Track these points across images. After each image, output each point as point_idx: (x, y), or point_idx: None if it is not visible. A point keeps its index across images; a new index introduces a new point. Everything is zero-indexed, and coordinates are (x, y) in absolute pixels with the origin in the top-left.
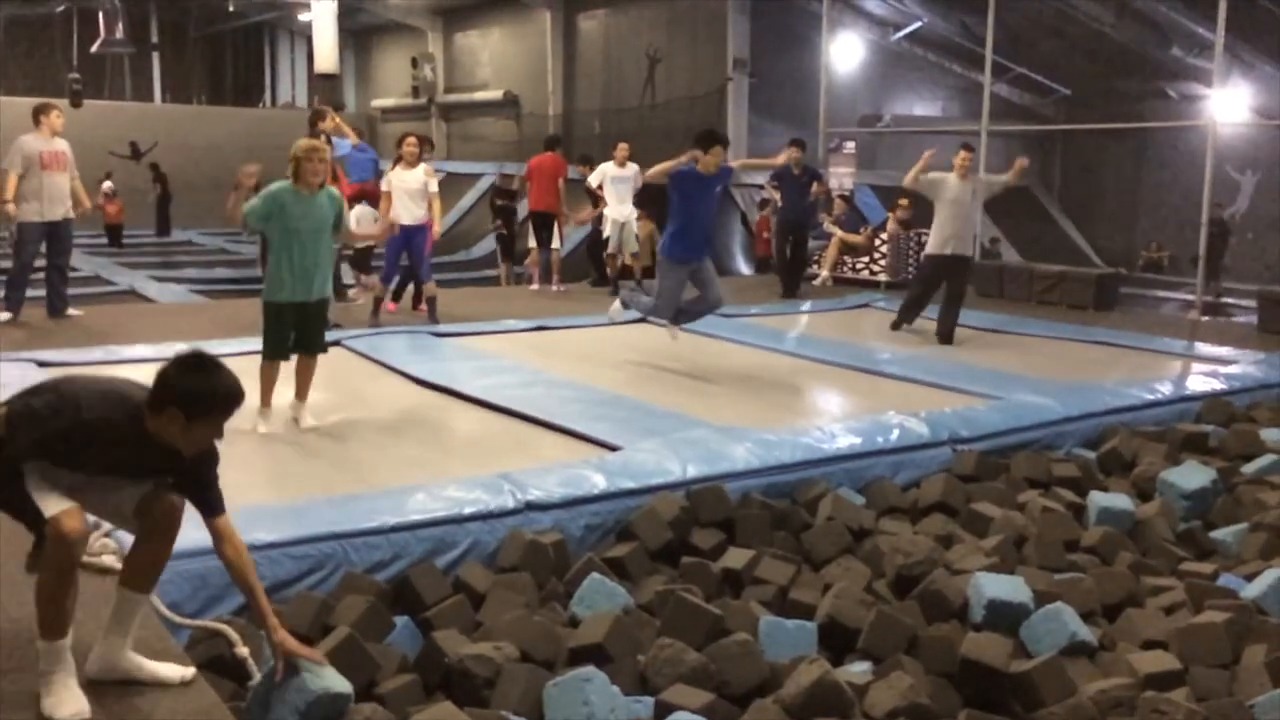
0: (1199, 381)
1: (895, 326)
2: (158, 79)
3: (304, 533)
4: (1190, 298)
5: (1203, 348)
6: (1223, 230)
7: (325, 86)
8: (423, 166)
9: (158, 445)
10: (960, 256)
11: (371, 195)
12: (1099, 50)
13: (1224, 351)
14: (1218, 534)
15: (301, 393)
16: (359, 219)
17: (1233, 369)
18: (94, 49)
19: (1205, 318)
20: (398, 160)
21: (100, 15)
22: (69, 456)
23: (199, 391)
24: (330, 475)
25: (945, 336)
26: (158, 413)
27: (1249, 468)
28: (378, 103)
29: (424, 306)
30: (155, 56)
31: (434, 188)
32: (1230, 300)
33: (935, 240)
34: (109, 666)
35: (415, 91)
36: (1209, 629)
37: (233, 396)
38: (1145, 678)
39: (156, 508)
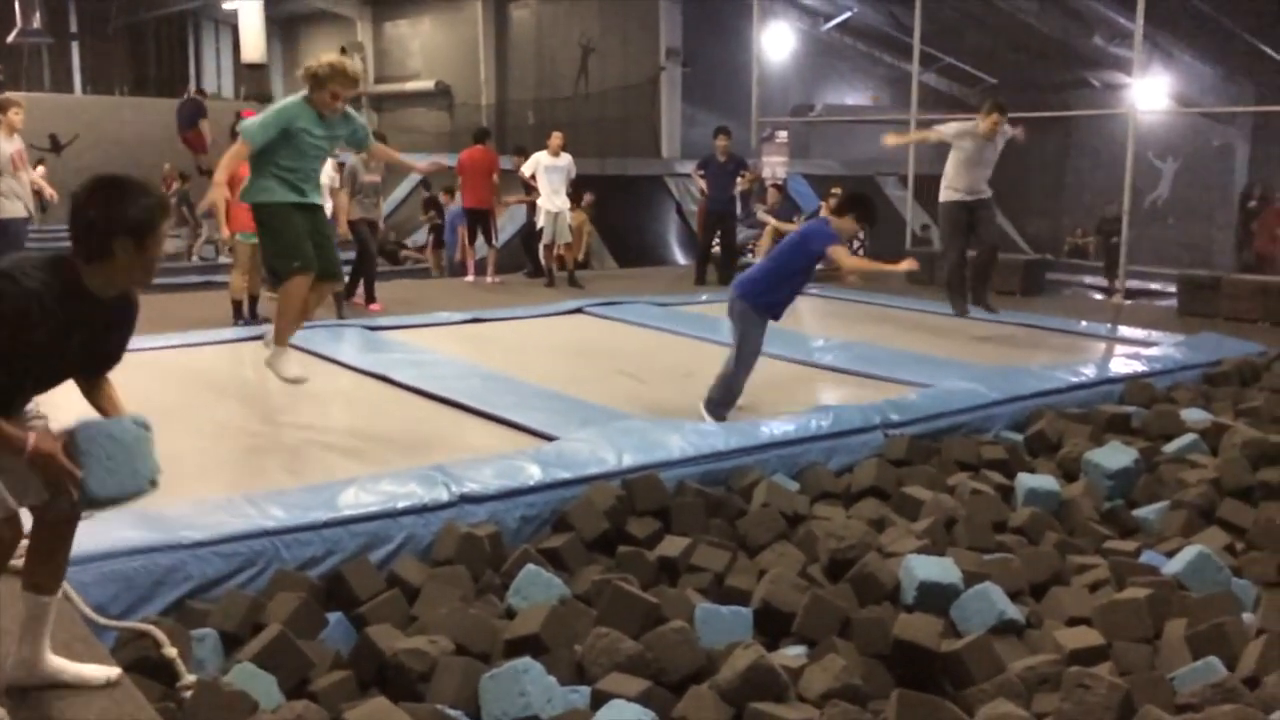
0: (1122, 364)
1: (962, 314)
2: (78, 70)
3: (233, 529)
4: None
5: (1125, 331)
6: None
7: (252, 77)
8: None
9: (93, 309)
10: (984, 199)
11: None
12: (1024, 40)
13: (1146, 334)
14: (1140, 512)
15: (292, 328)
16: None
17: (1154, 351)
18: (10, 39)
19: (1128, 301)
20: None
21: (16, 4)
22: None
23: (139, 209)
24: (260, 470)
25: (984, 300)
26: (106, 255)
27: (1170, 447)
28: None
29: (376, 305)
30: (75, 46)
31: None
32: (1138, 284)
33: (958, 188)
34: (28, 672)
35: None
36: (1131, 605)
37: (160, 196)
38: (1070, 653)
39: (51, 508)
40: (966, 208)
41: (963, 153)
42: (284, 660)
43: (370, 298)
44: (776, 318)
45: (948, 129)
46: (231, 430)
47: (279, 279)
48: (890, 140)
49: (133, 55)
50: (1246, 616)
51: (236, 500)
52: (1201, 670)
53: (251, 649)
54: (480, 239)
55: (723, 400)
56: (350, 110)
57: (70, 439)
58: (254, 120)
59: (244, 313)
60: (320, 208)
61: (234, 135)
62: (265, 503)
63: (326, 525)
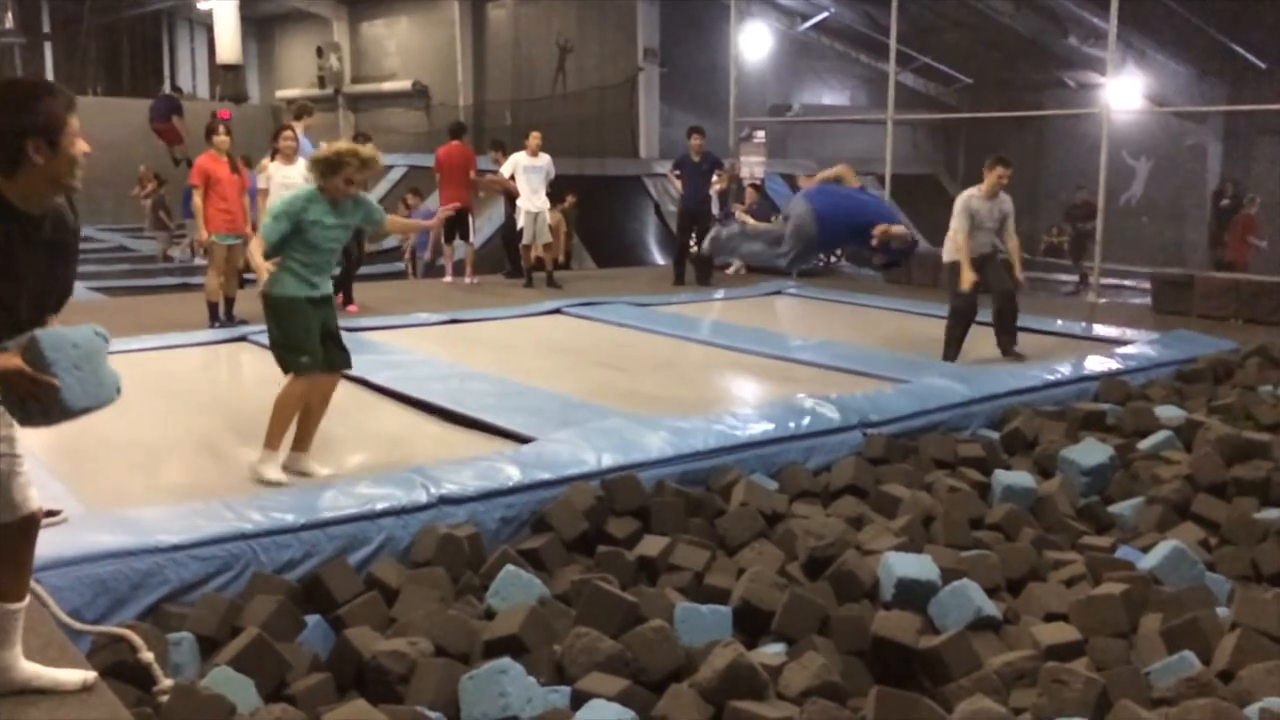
0: (1097, 362)
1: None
2: (50, 70)
3: (210, 533)
4: (1088, 280)
5: (1100, 329)
6: (1089, 212)
7: (227, 77)
8: (302, 161)
9: (28, 229)
10: (988, 254)
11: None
12: (999, 40)
13: (1120, 332)
14: (1115, 508)
15: (310, 436)
16: None
17: (1129, 349)
18: None
19: (1102, 300)
20: (274, 154)
21: None
22: None
23: (45, 106)
24: (238, 473)
25: (1010, 349)
26: (22, 161)
27: (1144, 444)
28: (282, 93)
29: (353, 307)
30: (48, 47)
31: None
32: (1114, 282)
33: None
34: (2, 680)
35: (321, 82)
36: (1107, 600)
37: (67, 93)
38: (1047, 649)
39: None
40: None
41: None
42: (262, 663)
43: (348, 299)
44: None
45: (958, 221)
46: (207, 433)
47: (284, 370)
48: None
49: (107, 55)
50: (1220, 611)
51: (213, 504)
52: (1176, 664)
53: (229, 652)
54: (459, 239)
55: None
56: (361, 194)
57: (33, 350)
58: (265, 220)
59: (220, 315)
60: (332, 297)
61: (208, 136)
62: (242, 506)
63: (304, 528)
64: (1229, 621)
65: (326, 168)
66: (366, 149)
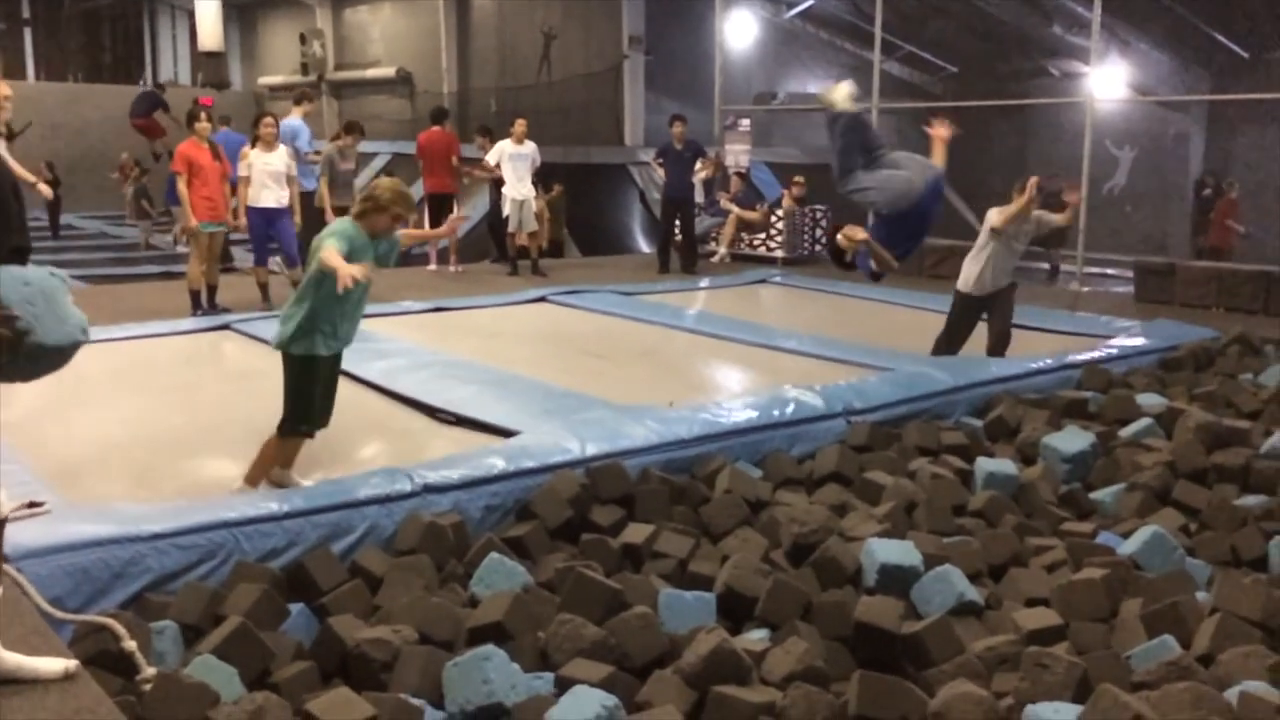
0: (1079, 350)
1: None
2: (30, 56)
3: (192, 521)
4: (1071, 269)
5: (1083, 317)
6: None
7: (209, 64)
8: (283, 148)
9: None
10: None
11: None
12: (984, 29)
13: (1103, 321)
14: (1097, 494)
15: (293, 459)
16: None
17: (1111, 337)
18: None
19: (1085, 288)
20: (255, 141)
21: None
22: None
23: None
24: (221, 460)
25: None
26: None
27: (1126, 431)
28: (265, 80)
29: None
30: (27, 33)
31: (294, 170)
32: (1095, 269)
33: (981, 279)
34: None
35: (304, 69)
36: (1088, 585)
37: None
38: (1028, 633)
39: None
40: (986, 302)
41: (1003, 242)
42: (245, 652)
43: None
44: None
45: (995, 224)
46: (190, 421)
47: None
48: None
49: (87, 42)
50: (1200, 595)
51: (196, 492)
52: (1156, 648)
53: (212, 641)
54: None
55: None
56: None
57: None
58: (329, 241)
59: (202, 303)
60: (340, 354)
61: (190, 123)
62: (225, 494)
63: (288, 516)
64: (1208, 606)
65: (373, 205)
66: (385, 183)
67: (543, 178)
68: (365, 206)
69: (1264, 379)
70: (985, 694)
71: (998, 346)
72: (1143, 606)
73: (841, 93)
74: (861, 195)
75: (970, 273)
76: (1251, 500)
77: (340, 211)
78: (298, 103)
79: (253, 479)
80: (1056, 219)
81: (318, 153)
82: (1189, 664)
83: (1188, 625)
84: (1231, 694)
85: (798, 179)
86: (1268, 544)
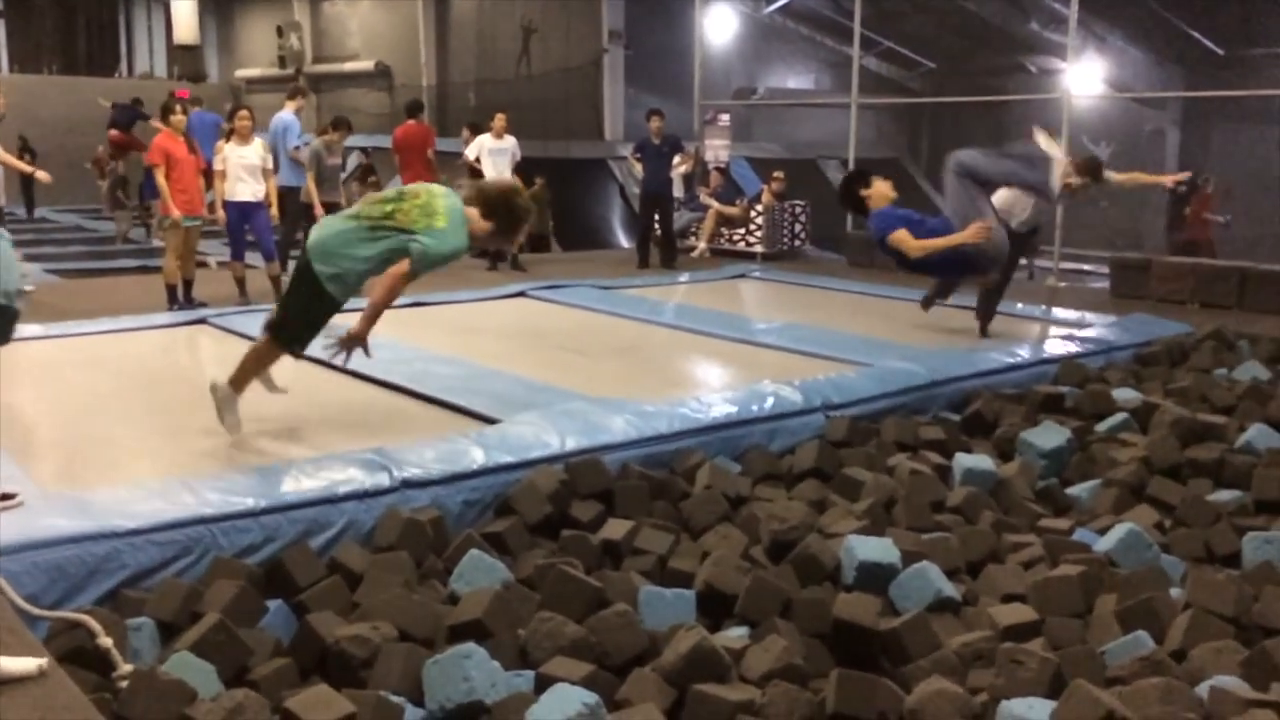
0: (1056, 345)
1: (925, 306)
2: (4, 48)
3: (169, 517)
4: (1049, 265)
5: (1059, 313)
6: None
7: (185, 57)
8: (258, 141)
9: None
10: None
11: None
12: (963, 25)
13: (1079, 316)
14: (1073, 490)
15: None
16: None
17: (1087, 332)
18: None
19: (1062, 284)
20: (230, 134)
21: None
22: None
23: None
24: (196, 456)
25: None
26: None
27: (1102, 426)
28: (242, 73)
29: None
30: (0, 24)
31: (270, 164)
32: (1070, 266)
33: (1024, 218)
34: None
35: (282, 62)
36: (1064, 581)
37: None
38: (1004, 629)
39: None
40: (1018, 240)
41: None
42: (222, 648)
43: None
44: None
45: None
46: (167, 416)
47: (273, 334)
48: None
49: (62, 34)
50: (1174, 591)
51: (172, 487)
52: (1130, 644)
53: (189, 638)
54: None
55: None
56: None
57: None
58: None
59: (179, 297)
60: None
61: (164, 116)
62: (202, 489)
63: (265, 512)
64: (1182, 602)
65: (511, 219)
66: (506, 183)
67: (523, 172)
68: (505, 223)
69: (1238, 374)
70: (960, 690)
71: (996, 293)
72: (1117, 602)
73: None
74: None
75: (1017, 207)
76: (1226, 495)
77: (329, 207)
78: (291, 97)
79: (238, 383)
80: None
81: (299, 148)
82: (1162, 659)
83: (1161, 621)
84: (1203, 688)
85: (777, 174)
86: (1241, 540)
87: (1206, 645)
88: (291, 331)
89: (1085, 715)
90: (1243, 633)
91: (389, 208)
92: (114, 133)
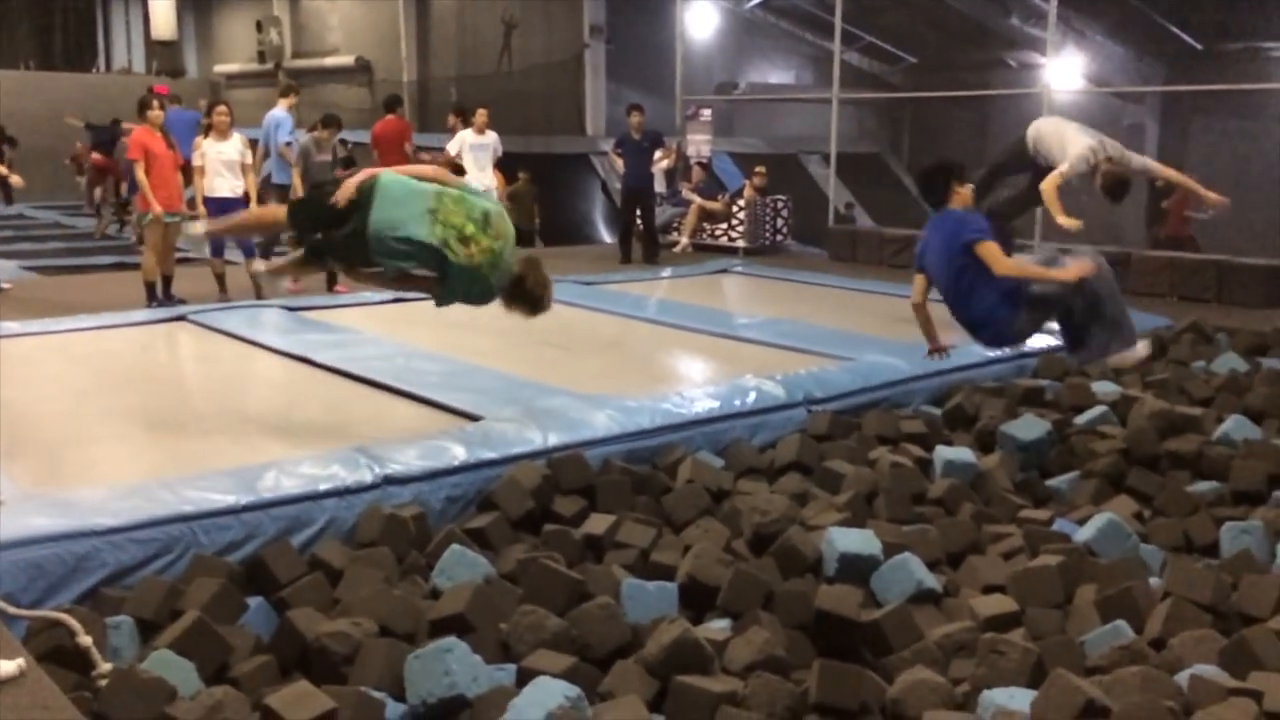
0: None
1: None
2: None
3: (149, 515)
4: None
5: None
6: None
7: (163, 52)
8: (238, 136)
9: None
10: None
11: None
12: (943, 19)
13: None
14: (1053, 482)
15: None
16: None
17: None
18: None
19: None
20: (208, 130)
21: None
22: None
23: None
24: (177, 454)
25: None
26: None
27: (1081, 419)
28: (221, 68)
29: (340, 287)
30: None
31: (249, 159)
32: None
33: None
34: None
35: (261, 57)
36: (1043, 572)
37: None
38: (985, 620)
39: None
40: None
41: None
42: (203, 646)
43: (332, 280)
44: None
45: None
46: (147, 414)
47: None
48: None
49: (39, 29)
50: (1153, 581)
51: (152, 485)
52: (1109, 633)
53: (169, 636)
54: None
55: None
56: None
57: None
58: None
59: (158, 294)
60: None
61: (142, 110)
62: (182, 487)
63: (246, 509)
64: (1161, 591)
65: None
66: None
67: (506, 167)
68: (521, 289)
69: (1216, 366)
70: (942, 680)
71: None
72: (1097, 592)
73: None
74: None
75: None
76: (1204, 486)
77: None
78: (284, 95)
79: (222, 226)
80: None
81: (290, 144)
82: (1141, 648)
83: (1140, 610)
84: (1182, 677)
85: (759, 169)
86: (1219, 530)
87: (1185, 634)
88: (299, 217)
89: (1065, 704)
90: (1221, 621)
91: (468, 230)
92: (96, 156)
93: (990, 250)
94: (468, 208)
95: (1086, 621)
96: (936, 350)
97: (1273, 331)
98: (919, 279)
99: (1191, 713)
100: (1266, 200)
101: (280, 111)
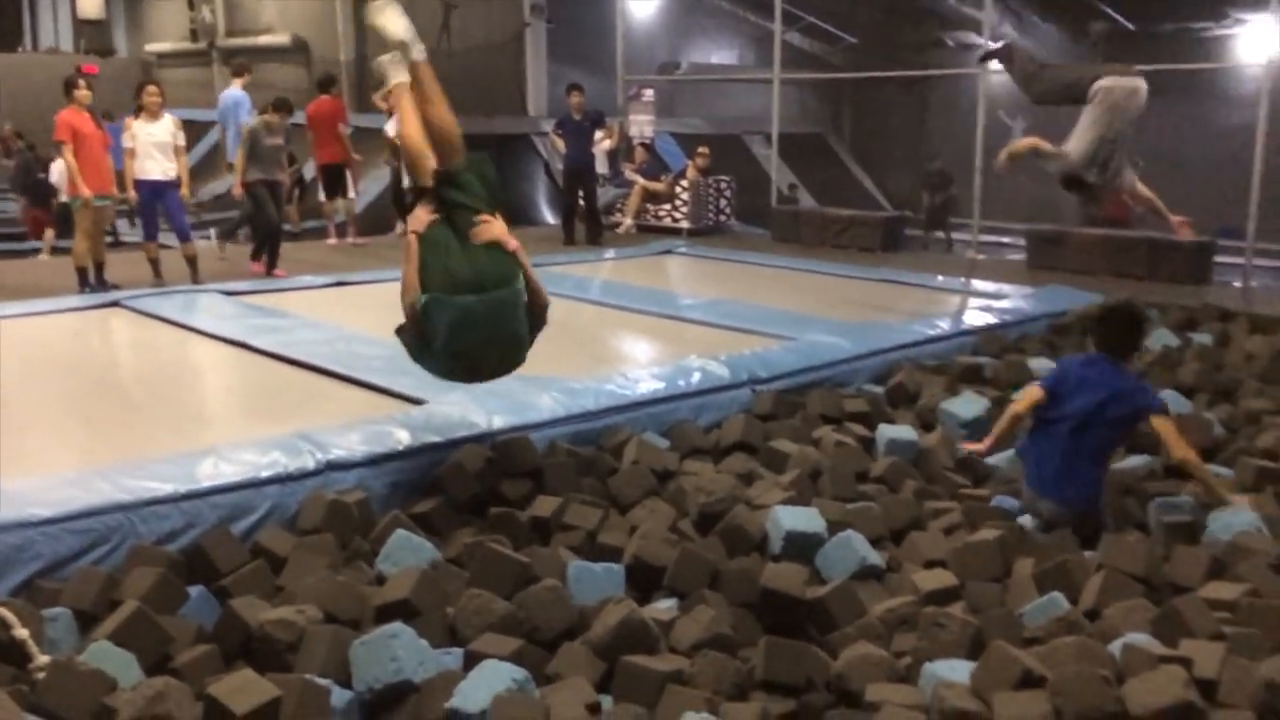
0: (975, 316)
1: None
2: None
3: (85, 505)
4: (967, 238)
5: (978, 285)
6: (944, 180)
7: (91, 31)
8: (169, 117)
9: None
10: None
11: None
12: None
13: (997, 288)
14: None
15: None
16: None
17: (1004, 304)
18: None
19: (981, 256)
20: (139, 111)
21: None
22: None
23: None
24: (113, 443)
25: None
26: None
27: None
28: (152, 47)
29: (279, 271)
30: None
31: (181, 140)
32: (988, 238)
33: None
34: None
35: (194, 35)
36: (982, 546)
37: None
38: (926, 594)
39: None
40: None
41: None
42: (143, 637)
43: (272, 264)
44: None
45: None
46: (81, 402)
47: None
48: None
49: None
50: (1088, 554)
51: (88, 474)
52: (1046, 605)
53: (107, 627)
54: (339, 198)
55: None
56: None
57: None
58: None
59: (90, 280)
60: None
61: (68, 90)
62: (119, 476)
63: (185, 498)
64: (1095, 563)
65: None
66: None
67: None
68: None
69: (1148, 342)
70: (885, 654)
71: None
72: (1034, 566)
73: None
74: None
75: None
76: (1136, 460)
77: (270, 186)
78: (239, 74)
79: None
80: None
81: (186, 122)
82: (1076, 619)
83: (1076, 582)
84: (1116, 646)
85: (702, 149)
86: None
87: (1119, 604)
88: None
89: (1004, 674)
90: (1153, 592)
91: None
92: (34, 211)
93: (1172, 429)
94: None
95: (1024, 594)
96: (981, 451)
97: (1202, 307)
98: (1036, 393)
99: (1125, 680)
100: (1201, 180)
101: (238, 91)
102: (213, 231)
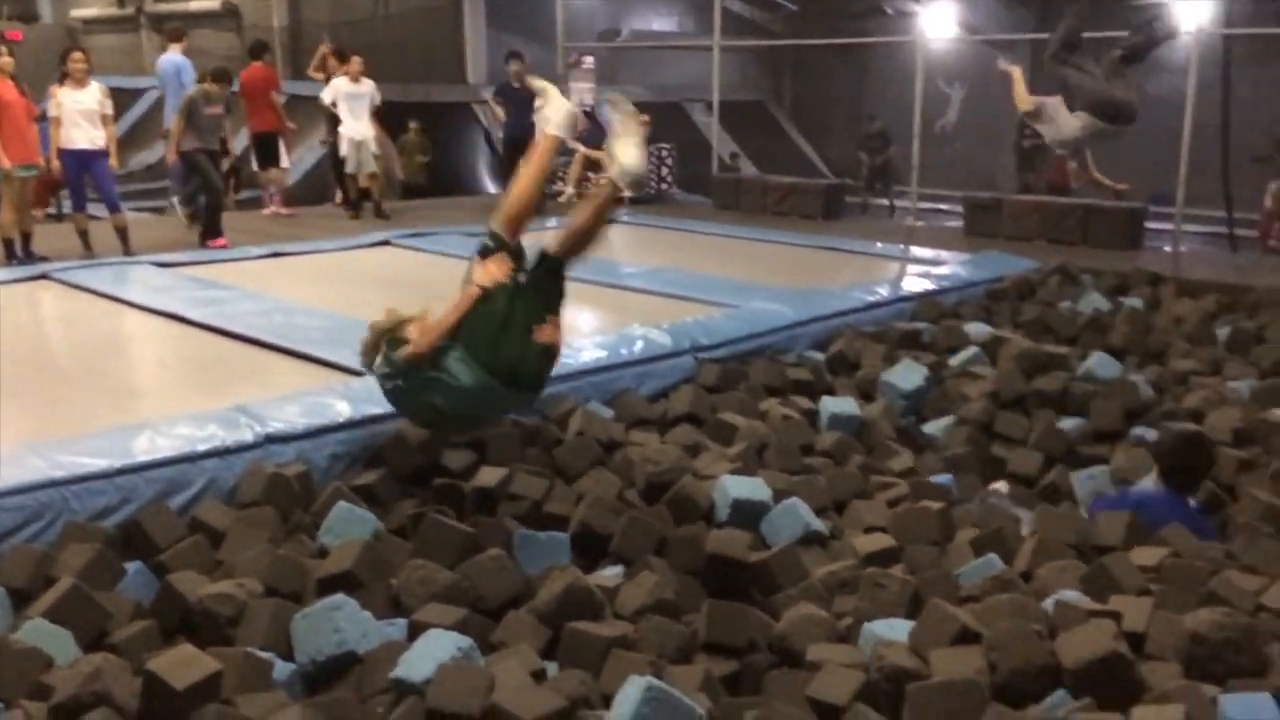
0: (913, 283)
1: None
2: None
3: (17, 481)
4: (907, 204)
5: (917, 251)
6: (884, 141)
7: None
8: (96, 85)
9: None
10: None
11: None
12: None
13: (935, 254)
14: (929, 428)
15: None
16: None
17: (942, 270)
18: None
19: (919, 223)
20: (64, 79)
21: None
22: None
23: None
24: (45, 417)
25: None
26: None
27: (955, 360)
28: (77, 13)
29: (216, 241)
30: None
31: (109, 109)
32: (927, 205)
33: None
34: None
35: (121, 1)
36: (922, 512)
37: None
38: (866, 556)
39: None
40: None
41: None
42: (79, 613)
43: (216, 232)
44: None
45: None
46: (10, 377)
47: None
48: None
49: None
50: (1024, 518)
51: (19, 450)
52: (983, 566)
53: (42, 604)
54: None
55: None
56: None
57: None
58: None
59: (17, 251)
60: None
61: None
62: (51, 452)
63: (120, 473)
64: (1029, 531)
65: None
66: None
67: (390, 117)
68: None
69: (1081, 306)
70: (826, 615)
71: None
72: (974, 535)
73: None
74: None
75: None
76: (1069, 423)
77: (207, 154)
78: (176, 39)
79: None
80: None
81: (113, 90)
82: (1011, 578)
83: (1011, 548)
84: (1048, 603)
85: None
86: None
87: (1051, 565)
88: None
89: (941, 631)
90: (1082, 556)
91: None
92: None
93: None
94: None
95: (962, 558)
96: None
97: (1134, 272)
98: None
99: (1057, 634)
100: (1132, 147)
101: (178, 56)
102: (174, 200)
